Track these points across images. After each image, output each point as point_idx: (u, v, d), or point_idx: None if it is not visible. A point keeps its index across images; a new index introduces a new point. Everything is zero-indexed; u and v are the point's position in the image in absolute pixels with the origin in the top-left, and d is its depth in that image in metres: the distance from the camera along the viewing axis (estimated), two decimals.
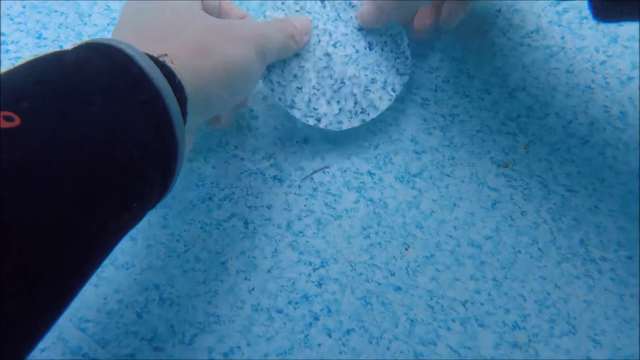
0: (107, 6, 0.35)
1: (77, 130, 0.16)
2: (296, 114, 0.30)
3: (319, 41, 0.32)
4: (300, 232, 0.29)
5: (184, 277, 0.27)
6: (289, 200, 0.30)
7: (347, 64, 0.32)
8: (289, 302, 0.27)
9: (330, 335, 0.26)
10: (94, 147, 0.17)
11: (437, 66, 0.34)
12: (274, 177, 0.31)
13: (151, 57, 0.19)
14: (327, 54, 0.32)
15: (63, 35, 0.35)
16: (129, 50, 0.19)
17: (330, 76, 0.32)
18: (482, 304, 0.27)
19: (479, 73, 0.33)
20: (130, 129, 0.18)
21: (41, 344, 0.21)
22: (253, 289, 0.27)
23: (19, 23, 0.34)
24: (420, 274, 0.28)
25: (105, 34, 0.35)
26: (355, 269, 0.28)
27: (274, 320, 0.26)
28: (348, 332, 0.26)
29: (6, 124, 0.15)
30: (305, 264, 0.28)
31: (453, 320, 0.26)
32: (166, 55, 0.20)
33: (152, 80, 0.19)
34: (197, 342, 0.25)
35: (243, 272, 0.27)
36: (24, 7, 0.34)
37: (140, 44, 0.20)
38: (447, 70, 0.34)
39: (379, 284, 0.27)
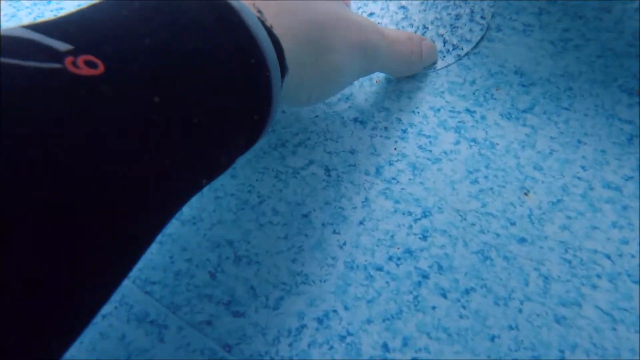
0: None
1: (167, 82, 0.13)
2: None
3: None
4: (393, 179, 0.24)
5: (261, 232, 0.23)
6: (375, 144, 0.25)
7: (425, 10, 0.29)
8: (390, 258, 0.22)
9: (445, 297, 0.21)
10: (187, 101, 0.14)
11: None
12: (355, 120, 0.26)
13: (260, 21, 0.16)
14: (402, 7, 0.29)
15: None
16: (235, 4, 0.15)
17: (411, 25, 0.29)
18: (633, 256, 0.21)
19: None
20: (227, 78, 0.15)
21: (102, 310, 0.17)
22: (344, 244, 0.22)
23: None
24: (548, 223, 0.23)
25: None
26: (465, 219, 0.23)
27: (374, 279, 0.21)
28: (467, 292, 0.21)
29: (89, 71, 0.12)
30: (403, 214, 0.23)
31: (598, 277, 0.21)
32: (259, 10, 0.17)
33: (254, 36, 0.16)
34: (284, 306, 0.21)
35: (330, 225, 0.23)
36: None
37: None
38: None
39: (498, 235, 0.22)
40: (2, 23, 0.31)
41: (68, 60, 0.12)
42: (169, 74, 0.14)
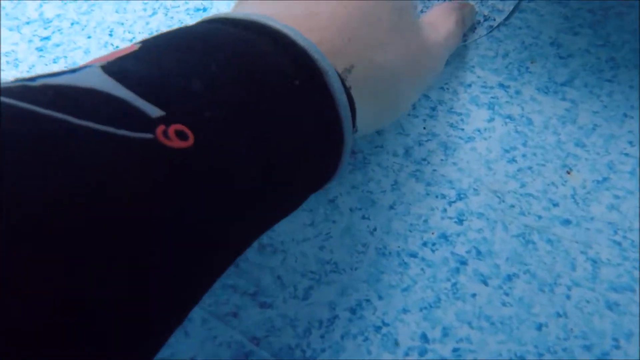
0: None
1: (261, 152, 0.13)
2: None
3: None
4: (424, 160, 0.23)
5: (286, 219, 0.21)
6: (402, 123, 0.24)
7: None
8: (424, 244, 0.21)
9: (486, 284, 0.20)
10: (278, 175, 0.14)
11: None
12: None
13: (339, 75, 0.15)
14: None
15: None
16: (316, 56, 0.15)
17: None
18: None
19: None
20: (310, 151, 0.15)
21: None
22: (375, 230, 0.21)
23: None
24: (594, 203, 0.21)
25: None
26: (504, 200, 0.21)
27: (408, 266, 0.20)
28: (509, 278, 0.20)
29: (178, 143, 0.11)
30: (436, 196, 0.22)
31: None
32: (349, 70, 0.16)
33: (338, 107, 0.15)
34: (314, 296, 0.20)
35: (359, 210, 0.22)
36: None
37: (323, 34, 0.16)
38: None
39: (540, 217, 0.21)
40: (6, 11, 0.30)
41: (160, 129, 0.11)
42: (255, 145, 0.13)
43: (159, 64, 0.13)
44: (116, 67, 0.12)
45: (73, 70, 0.12)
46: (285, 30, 0.15)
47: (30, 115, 0.10)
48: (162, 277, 0.11)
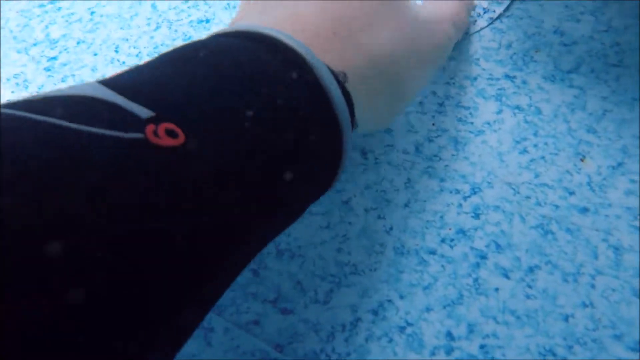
0: None
1: (245, 149, 0.13)
2: None
3: None
4: (435, 156, 0.23)
5: (301, 224, 0.21)
6: (410, 121, 0.24)
7: None
8: (442, 240, 0.20)
9: (508, 277, 0.19)
10: (261, 169, 0.14)
11: None
12: None
13: (332, 73, 0.15)
14: None
15: None
16: (304, 54, 0.15)
17: None
18: None
19: None
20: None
21: None
22: (391, 229, 0.21)
23: None
24: (611, 189, 0.21)
25: None
26: (519, 192, 0.21)
27: (428, 264, 0.20)
28: (531, 270, 0.19)
29: (169, 141, 0.12)
30: (450, 192, 0.22)
31: None
32: (345, 74, 0.16)
33: (336, 110, 0.15)
34: (335, 300, 0.19)
35: (374, 210, 0.21)
36: None
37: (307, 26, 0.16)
38: None
39: (557, 206, 0.21)
40: (14, 34, 0.30)
41: (149, 128, 0.11)
42: (249, 143, 0.13)
43: (154, 73, 0.13)
44: (112, 79, 0.13)
45: (73, 87, 0.13)
46: (271, 32, 0.15)
47: (26, 121, 0.10)
48: (156, 271, 0.11)
